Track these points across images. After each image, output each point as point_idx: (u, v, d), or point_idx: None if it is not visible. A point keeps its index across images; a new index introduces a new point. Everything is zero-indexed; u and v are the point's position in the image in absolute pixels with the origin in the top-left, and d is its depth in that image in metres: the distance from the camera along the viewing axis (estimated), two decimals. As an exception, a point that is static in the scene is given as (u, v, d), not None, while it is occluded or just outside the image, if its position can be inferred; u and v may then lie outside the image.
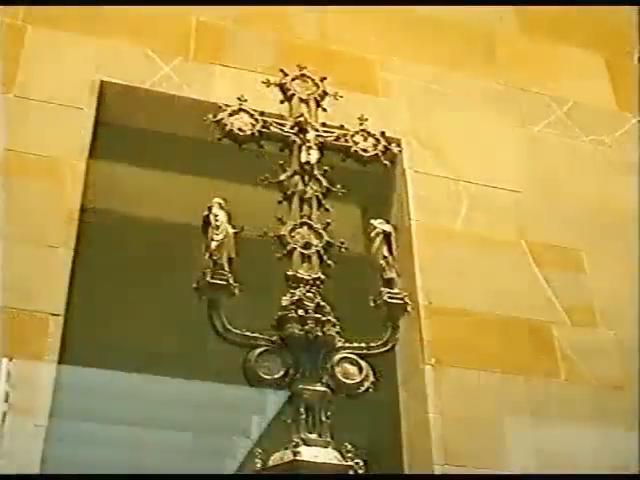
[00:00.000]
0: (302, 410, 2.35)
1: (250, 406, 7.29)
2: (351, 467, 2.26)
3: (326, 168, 2.82)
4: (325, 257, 2.63)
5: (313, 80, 3.01)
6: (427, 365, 3.87)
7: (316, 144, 2.84)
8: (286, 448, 2.28)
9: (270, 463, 2.27)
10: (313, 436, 2.31)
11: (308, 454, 2.24)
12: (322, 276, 2.60)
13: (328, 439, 2.32)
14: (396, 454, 3.83)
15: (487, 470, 3.69)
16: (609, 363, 4.22)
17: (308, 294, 2.52)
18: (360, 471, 2.29)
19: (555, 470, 3.81)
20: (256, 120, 2.84)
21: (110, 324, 5.67)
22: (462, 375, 3.89)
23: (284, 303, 2.51)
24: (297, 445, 2.25)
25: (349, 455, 2.29)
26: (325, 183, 2.78)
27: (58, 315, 3.48)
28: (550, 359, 4.12)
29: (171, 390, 6.95)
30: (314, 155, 2.80)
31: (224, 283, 2.47)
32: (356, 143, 2.91)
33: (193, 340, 5.59)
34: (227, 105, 2.88)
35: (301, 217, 2.69)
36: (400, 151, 3.30)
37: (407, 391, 3.99)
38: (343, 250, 2.65)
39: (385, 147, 2.93)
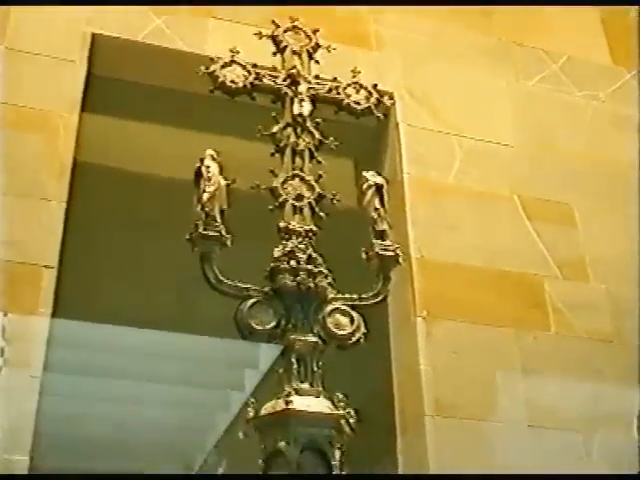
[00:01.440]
0: (294, 360, 2.37)
1: (244, 360, 7.33)
2: (343, 416, 2.29)
3: (319, 120, 2.81)
4: (317, 209, 2.63)
5: (305, 32, 2.98)
6: (418, 318, 3.90)
7: (308, 96, 2.83)
8: (278, 398, 2.30)
9: (262, 412, 2.29)
10: (305, 386, 2.33)
11: (300, 403, 2.26)
12: (314, 228, 2.60)
13: (320, 389, 2.34)
14: (388, 405, 3.87)
15: (477, 421, 3.74)
16: (600, 317, 4.26)
17: (300, 246, 2.52)
18: (351, 420, 2.31)
19: (544, 423, 3.86)
20: (248, 72, 2.82)
21: (103, 278, 5.69)
22: (453, 328, 3.92)
23: (276, 254, 2.51)
24: (289, 395, 2.28)
25: (341, 404, 2.31)
26: (318, 135, 2.77)
27: (51, 267, 3.49)
28: (541, 313, 4.15)
29: (165, 344, 6.99)
30: (306, 107, 2.79)
31: (216, 234, 2.47)
32: (348, 96, 2.89)
33: (187, 294, 5.63)
34: (219, 58, 2.86)
35: (293, 169, 2.68)
36: (393, 104, 3.30)
37: (398, 343, 4.02)
38: (335, 202, 2.66)
39: (378, 100, 2.92)
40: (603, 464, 3.88)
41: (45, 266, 3.47)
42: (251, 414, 2.30)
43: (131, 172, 4.83)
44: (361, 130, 3.86)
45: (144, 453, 8.79)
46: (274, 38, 2.96)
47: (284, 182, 2.65)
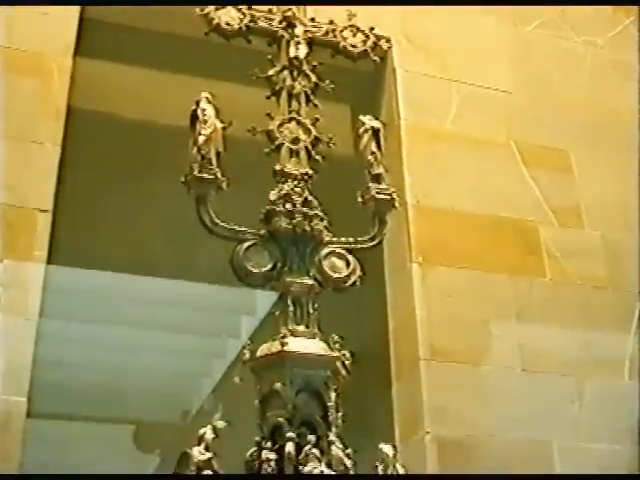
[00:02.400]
0: (290, 303, 2.38)
1: (240, 307, 7.35)
2: (338, 358, 2.30)
3: (315, 64, 2.79)
4: (313, 153, 2.62)
5: (301, -27, 2.94)
6: (414, 263, 3.91)
7: (304, 39, 2.79)
8: (274, 340, 2.31)
9: (258, 354, 2.30)
10: (301, 328, 2.34)
11: (296, 345, 2.27)
12: (310, 171, 2.59)
13: (315, 331, 2.35)
14: (383, 350, 3.90)
15: (472, 365, 3.77)
16: (594, 263, 4.28)
17: (296, 189, 2.52)
18: (347, 362, 2.33)
19: (537, 367, 3.90)
20: (244, 14, 2.78)
21: (99, 224, 5.68)
22: (448, 274, 3.94)
23: (272, 197, 2.51)
24: (285, 336, 2.28)
25: (336, 346, 2.32)
26: (314, 79, 2.74)
27: (46, 211, 3.48)
28: (536, 259, 4.17)
29: (162, 291, 7.00)
30: (302, 50, 2.77)
31: (212, 177, 2.46)
32: (345, 39, 2.86)
33: (183, 241, 5.62)
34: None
35: (289, 112, 2.67)
36: (390, 47, 3.25)
37: (394, 289, 4.04)
38: (331, 146, 2.64)
39: (374, 43, 2.88)
40: (594, 408, 3.93)
41: (40, 210, 3.47)
42: (247, 356, 2.32)
43: (126, 117, 4.79)
44: (358, 76, 3.84)
45: (141, 399, 8.84)
46: (269, -21, 2.92)
47: (280, 125, 2.63)
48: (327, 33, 2.86)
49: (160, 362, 8.34)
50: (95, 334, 7.69)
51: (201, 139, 2.48)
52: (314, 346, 2.31)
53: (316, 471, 2.12)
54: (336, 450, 2.19)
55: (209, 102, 2.56)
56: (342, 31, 2.88)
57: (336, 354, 2.30)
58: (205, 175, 2.46)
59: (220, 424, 2.15)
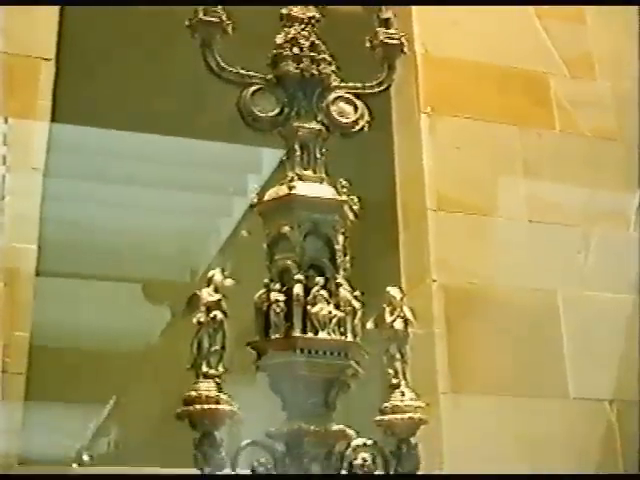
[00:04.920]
0: (297, 148, 2.35)
1: (247, 165, 7.33)
2: (346, 202, 2.29)
3: None
4: (321, -4, 2.55)
5: None
6: (422, 114, 3.87)
7: None
8: (282, 184, 2.30)
9: (266, 198, 2.30)
10: (308, 172, 2.32)
11: (303, 189, 2.26)
12: (317, 15, 2.53)
13: (323, 175, 2.34)
14: (390, 199, 3.90)
15: (479, 216, 3.78)
16: (604, 115, 4.23)
17: (303, 32, 2.46)
18: (355, 207, 2.32)
19: (544, 218, 3.91)
20: None
21: (105, 80, 5.60)
22: (457, 124, 3.91)
23: (278, 41, 2.45)
24: (292, 180, 2.27)
25: (344, 191, 2.31)
26: None
27: (49, 60, 3.43)
28: (546, 110, 4.12)
29: (168, 149, 6.96)
30: None
31: (217, 20, 2.40)
32: None
33: (190, 97, 5.55)
34: None
35: (296, -45, 2.57)
36: None
37: (402, 139, 4.01)
38: (339, -13, 2.57)
39: None
40: (600, 258, 3.96)
41: (43, 58, 3.41)
42: (255, 200, 2.31)
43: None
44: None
45: (148, 259, 8.91)
46: None
47: (286, -33, 2.55)
48: None
49: (167, 221, 8.36)
50: (102, 193, 7.68)
51: (205, -19, 2.41)
52: (322, 190, 2.29)
53: (323, 312, 2.14)
54: (344, 292, 2.20)
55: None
56: None
57: (344, 198, 2.29)
58: (210, 18, 2.40)
59: (228, 282, 2.16)
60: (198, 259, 9.38)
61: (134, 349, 8.16)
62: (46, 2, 3.58)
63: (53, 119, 3.55)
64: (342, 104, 2.46)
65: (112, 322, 8.69)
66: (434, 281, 3.65)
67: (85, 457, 7.97)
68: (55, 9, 3.47)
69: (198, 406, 2.00)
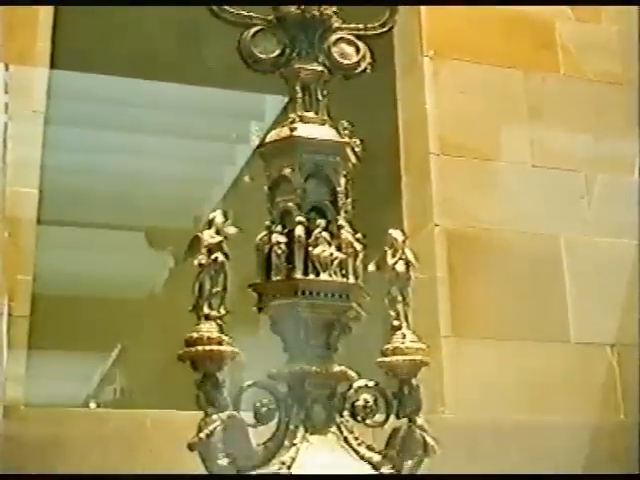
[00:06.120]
0: (298, 89, 2.33)
1: (250, 112, 7.28)
2: (348, 144, 2.28)
3: None
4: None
5: None
6: (425, 57, 3.83)
7: None
8: (283, 126, 2.28)
9: (267, 140, 2.28)
10: (310, 114, 2.30)
11: (305, 131, 2.24)
12: (319, -45, 2.48)
13: (325, 117, 2.31)
14: (393, 143, 3.88)
15: (482, 160, 3.76)
16: (610, 59, 4.19)
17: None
18: (357, 149, 2.30)
19: (547, 163, 3.89)
20: None
21: (104, 26, 5.54)
22: (460, 68, 3.87)
23: (280, -11, 2.42)
24: (294, 121, 2.25)
25: (346, 133, 2.29)
26: None
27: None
28: (550, 54, 4.08)
29: (170, 95, 6.91)
30: None
31: (217, -40, 2.37)
32: None
33: (191, 43, 5.50)
34: None
35: None
36: None
37: (405, 83, 3.97)
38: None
39: None
40: (603, 204, 3.95)
41: (42, 2, 3.39)
42: (256, 142, 2.30)
43: None
44: None
45: (152, 206, 8.90)
46: None
47: None
48: None
49: (170, 169, 8.33)
50: (104, 140, 7.65)
51: None
52: (323, 132, 2.27)
53: (325, 254, 2.14)
54: (345, 234, 2.20)
55: None
56: None
57: (346, 140, 2.28)
58: (209, -43, 2.36)
59: (231, 230, 2.15)
60: (201, 206, 9.37)
61: (138, 296, 8.20)
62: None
63: (53, 66, 3.52)
64: (344, 45, 2.43)
65: (116, 270, 8.72)
66: (437, 225, 3.65)
67: (92, 405, 8.05)
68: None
69: (200, 347, 2.00)
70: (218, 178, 8.67)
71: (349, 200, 2.27)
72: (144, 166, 8.22)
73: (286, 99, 2.43)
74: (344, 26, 2.47)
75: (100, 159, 8.00)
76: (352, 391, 2.18)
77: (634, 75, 4.16)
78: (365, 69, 2.42)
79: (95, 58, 5.82)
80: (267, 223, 2.20)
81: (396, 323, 2.22)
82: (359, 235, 2.22)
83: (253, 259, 2.19)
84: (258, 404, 2.08)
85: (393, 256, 2.27)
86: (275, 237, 2.15)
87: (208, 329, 2.03)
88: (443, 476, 2.01)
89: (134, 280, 8.47)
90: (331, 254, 2.14)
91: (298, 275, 2.11)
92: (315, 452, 2.06)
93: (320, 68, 2.36)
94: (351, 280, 2.16)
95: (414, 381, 2.20)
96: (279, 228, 2.17)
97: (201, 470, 1.99)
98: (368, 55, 2.44)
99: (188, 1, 4.15)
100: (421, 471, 2.12)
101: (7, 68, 3.36)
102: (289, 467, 1.99)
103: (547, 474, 3.18)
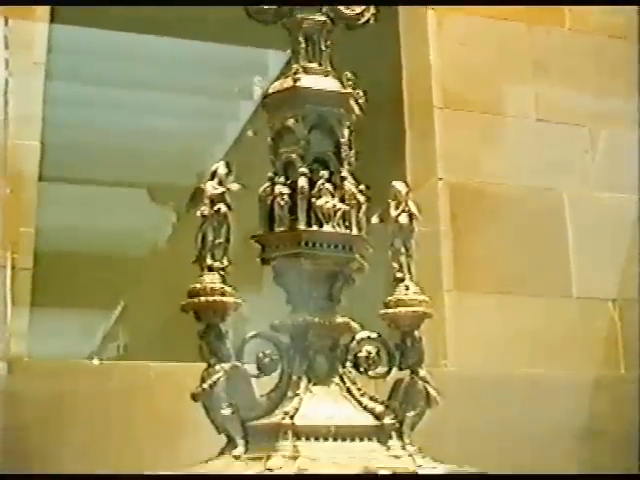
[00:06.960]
0: (301, 40, 2.30)
1: (252, 67, 7.23)
2: (351, 95, 2.26)
3: None
4: None
5: None
6: (429, 9, 3.79)
7: None
8: (286, 76, 2.27)
9: (270, 90, 2.26)
10: (313, 65, 2.28)
11: (308, 81, 2.22)
12: None
13: (328, 68, 2.30)
14: (396, 96, 3.86)
15: (486, 114, 3.74)
16: (615, 13, 4.15)
17: None
18: (360, 100, 2.29)
19: (551, 117, 3.86)
20: None
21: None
22: (464, 20, 3.83)
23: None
24: (297, 72, 2.24)
25: (349, 84, 2.28)
26: None
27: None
28: (555, 7, 4.03)
29: (173, 51, 6.86)
30: None
31: None
32: None
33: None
34: None
35: None
36: None
37: (408, 35, 3.94)
38: None
39: None
40: (607, 159, 3.94)
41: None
42: (259, 93, 2.28)
43: None
44: None
45: (154, 163, 8.86)
46: None
47: None
48: None
49: (172, 124, 8.29)
50: (106, 96, 7.60)
51: None
52: (327, 83, 2.26)
53: (328, 205, 2.13)
54: (349, 185, 2.19)
55: None
56: None
57: (349, 91, 2.26)
58: None
59: (234, 186, 2.14)
60: (205, 162, 9.32)
61: (141, 253, 8.20)
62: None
63: (53, 20, 3.49)
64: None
65: (119, 226, 8.72)
66: (440, 179, 3.64)
67: (95, 361, 8.09)
68: None
69: (203, 298, 2.01)
70: (221, 134, 8.63)
71: (352, 152, 2.26)
72: (146, 122, 8.18)
73: (289, 54, 2.41)
74: (348, -24, 2.43)
75: (102, 115, 7.95)
76: (355, 342, 2.19)
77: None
78: (368, 20, 2.39)
79: (95, 12, 5.76)
80: (270, 174, 2.19)
81: (399, 275, 2.22)
82: (362, 187, 2.21)
83: (256, 214, 2.18)
84: (261, 355, 2.09)
85: (396, 208, 2.26)
86: (278, 188, 2.14)
87: (211, 280, 2.03)
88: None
89: (137, 236, 8.47)
90: (334, 205, 2.14)
91: (301, 226, 2.11)
92: (318, 402, 2.08)
93: (323, 18, 2.33)
94: (354, 232, 2.16)
95: (417, 333, 2.20)
96: (282, 179, 2.17)
97: (204, 421, 2.01)
98: (371, 6, 2.41)
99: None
100: (422, 422, 2.13)
101: (7, 22, 3.33)
102: (292, 417, 2.00)
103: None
